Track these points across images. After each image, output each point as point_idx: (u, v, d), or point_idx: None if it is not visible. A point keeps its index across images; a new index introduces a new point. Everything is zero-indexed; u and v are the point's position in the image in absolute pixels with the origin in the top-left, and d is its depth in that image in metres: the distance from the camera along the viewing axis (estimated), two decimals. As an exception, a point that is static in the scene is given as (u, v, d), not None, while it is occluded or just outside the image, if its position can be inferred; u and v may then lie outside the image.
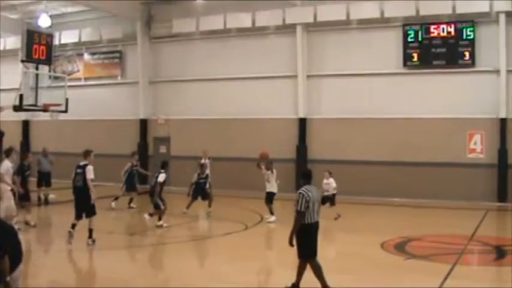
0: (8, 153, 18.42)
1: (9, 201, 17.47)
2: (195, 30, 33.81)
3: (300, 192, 11.64)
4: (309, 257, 11.63)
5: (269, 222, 21.36)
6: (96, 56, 37.67)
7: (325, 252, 16.26)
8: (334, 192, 23.05)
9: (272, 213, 21.55)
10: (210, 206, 23.60)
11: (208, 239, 18.76)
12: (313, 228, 11.63)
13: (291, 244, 11.58)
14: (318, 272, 11.60)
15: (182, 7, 33.81)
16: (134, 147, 34.75)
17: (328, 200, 22.22)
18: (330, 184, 23.16)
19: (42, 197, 26.47)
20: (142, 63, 35.40)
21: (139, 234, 19.94)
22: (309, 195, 11.53)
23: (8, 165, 17.95)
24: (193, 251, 17.36)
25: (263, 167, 22.08)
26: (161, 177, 20.48)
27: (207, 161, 25.69)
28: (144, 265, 15.54)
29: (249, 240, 18.79)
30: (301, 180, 12.08)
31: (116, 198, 25.35)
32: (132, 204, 25.52)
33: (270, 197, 21.81)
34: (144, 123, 35.73)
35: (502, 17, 27.88)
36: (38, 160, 26.32)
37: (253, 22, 32.35)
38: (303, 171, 12.35)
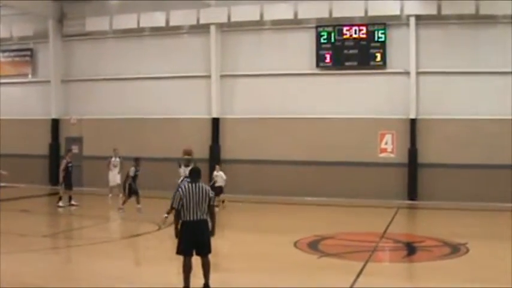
0: None
1: None
2: (108, 28, 33.35)
3: (176, 190, 11.71)
4: (180, 254, 11.49)
5: None
6: (6, 54, 36.68)
7: (237, 252, 16.38)
8: (222, 184, 25.05)
9: None
10: (138, 202, 23.55)
11: (123, 240, 18.52)
12: (190, 225, 11.42)
13: (176, 237, 11.56)
14: (185, 272, 11.50)
15: (96, 5, 33.30)
16: (46, 147, 34.18)
17: (216, 189, 22.52)
18: (219, 176, 25.17)
19: None
20: (54, 62, 34.65)
21: (52, 236, 19.54)
22: (183, 193, 11.51)
23: None
24: (107, 253, 17.14)
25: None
26: (131, 171, 23.05)
27: (117, 159, 25.63)
28: (56, 267, 15.26)
29: (162, 241, 18.68)
30: (189, 177, 12.05)
31: (60, 198, 24.98)
32: (73, 202, 25.20)
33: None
34: (56, 123, 35.03)
35: (412, 20, 28.60)
36: None
37: (168, 21, 32.14)
38: (190, 169, 12.22)
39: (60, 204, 25.04)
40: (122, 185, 25.29)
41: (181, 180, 19.31)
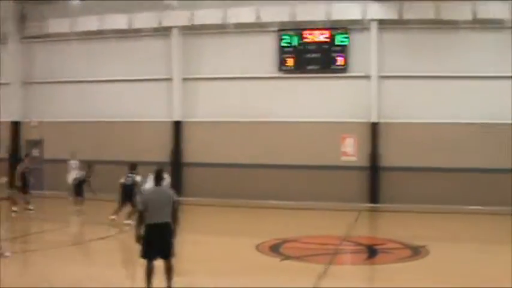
0: None
1: None
2: (69, 30, 33.04)
3: (141, 193, 11.72)
4: (144, 258, 11.47)
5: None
6: (-36, 56, 36.24)
7: (200, 255, 16.36)
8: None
9: None
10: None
11: (84, 244, 18.35)
12: (153, 229, 11.40)
13: (137, 241, 11.52)
14: (147, 276, 11.45)
15: (57, 6, 32.92)
16: (4, 150, 33.74)
17: None
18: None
19: None
20: (13, 64, 34.25)
21: (11, 241, 19.30)
22: (148, 196, 11.56)
23: None
24: (73, 256, 16.98)
25: None
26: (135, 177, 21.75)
27: (75, 162, 25.48)
28: (16, 271, 15.10)
29: (124, 245, 18.58)
30: (153, 180, 12.02)
31: (15, 203, 24.53)
32: (30, 207, 24.83)
33: None
34: (15, 126, 34.63)
35: (374, 25, 28.85)
36: None
37: (130, 24, 31.96)
38: (154, 171, 12.16)
39: (14, 209, 24.51)
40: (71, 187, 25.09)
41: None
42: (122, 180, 22.06)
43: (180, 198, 11.98)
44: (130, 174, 21.99)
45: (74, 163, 27.24)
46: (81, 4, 31.15)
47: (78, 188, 24.40)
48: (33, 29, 33.94)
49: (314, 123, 29.56)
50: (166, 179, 22.10)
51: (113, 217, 21.48)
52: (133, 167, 22.20)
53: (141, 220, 11.48)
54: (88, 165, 24.57)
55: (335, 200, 28.07)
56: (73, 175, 26.03)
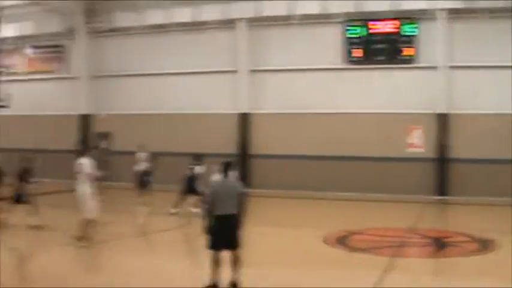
0: None
1: None
2: (136, 24, 33.51)
3: (209, 185, 11.83)
4: (210, 248, 11.53)
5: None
6: (37, 50, 37.08)
7: (266, 247, 16.41)
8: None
9: None
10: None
11: (152, 235, 18.56)
12: (219, 220, 11.47)
13: (204, 232, 11.61)
14: (213, 267, 11.51)
15: (124, 1, 33.43)
16: (76, 142, 34.37)
17: None
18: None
19: None
20: (83, 58, 34.97)
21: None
22: (215, 188, 11.63)
23: None
24: (136, 248, 17.22)
25: None
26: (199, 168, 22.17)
27: (143, 154, 25.85)
28: (85, 261, 15.40)
29: (191, 236, 18.76)
30: (221, 172, 12.11)
31: None
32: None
33: None
34: (85, 119, 35.32)
35: (442, 14, 28.43)
36: None
37: (196, 17, 32.22)
38: (221, 163, 12.24)
39: None
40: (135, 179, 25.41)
41: None
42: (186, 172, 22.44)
43: (247, 190, 12.02)
44: (192, 165, 22.34)
45: (141, 155, 27.60)
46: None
47: (143, 180, 24.75)
48: (101, 23, 34.57)
49: (380, 115, 29.34)
50: (234, 171, 22.40)
51: (174, 211, 21.73)
52: (197, 158, 22.58)
53: (208, 211, 11.60)
54: (153, 157, 24.93)
55: (401, 192, 27.81)
56: (140, 167, 26.41)
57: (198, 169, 22.17)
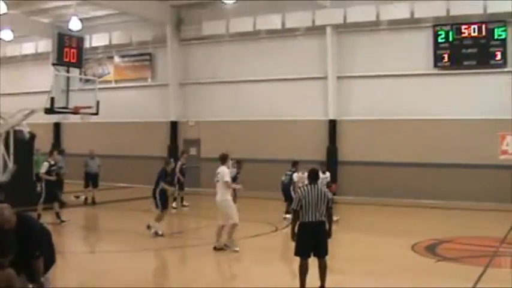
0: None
1: None
2: (224, 32, 33.88)
3: (296, 191, 11.78)
4: (298, 255, 11.57)
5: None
6: (126, 59, 37.91)
7: (353, 254, 16.30)
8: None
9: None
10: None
11: (239, 241, 18.63)
12: (308, 227, 11.49)
13: (292, 239, 11.69)
14: (301, 273, 11.52)
15: (212, 9, 33.83)
16: (165, 149, 34.99)
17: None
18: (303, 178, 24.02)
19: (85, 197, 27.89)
20: (172, 66, 35.55)
21: (169, 236, 19.93)
22: (303, 195, 11.54)
23: None
24: (223, 253, 17.33)
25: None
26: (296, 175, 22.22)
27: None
28: (171, 266, 15.62)
29: (278, 242, 18.79)
30: (308, 179, 12.09)
31: (174, 199, 25.76)
32: (184, 203, 26.74)
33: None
34: (174, 126, 35.87)
35: (533, 17, 27.67)
36: (85, 162, 27.89)
37: (283, 24, 32.32)
38: (309, 170, 12.24)
39: (174, 205, 25.68)
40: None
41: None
42: (282, 178, 22.63)
43: (335, 197, 11.98)
44: (288, 172, 22.70)
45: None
46: (235, 6, 31.68)
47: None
48: (190, 32, 35.18)
49: (471, 121, 28.74)
50: (327, 177, 22.46)
51: (286, 216, 21.55)
52: (294, 164, 22.94)
53: (296, 218, 11.63)
54: (237, 163, 25.13)
55: (492, 200, 27.18)
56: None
57: (295, 176, 22.27)
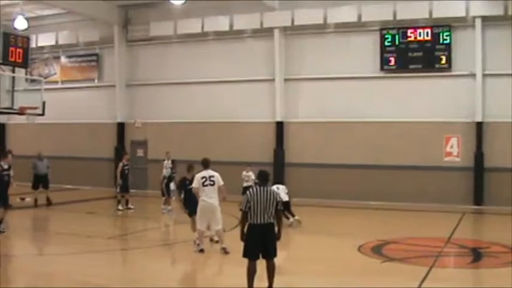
0: None
1: None
2: (172, 33, 33.70)
3: (246, 193, 11.77)
4: (246, 257, 11.58)
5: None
6: (73, 59, 37.46)
7: (301, 255, 16.37)
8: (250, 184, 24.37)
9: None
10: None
11: (186, 242, 18.53)
12: (256, 229, 11.53)
13: (242, 240, 11.70)
14: (249, 275, 11.55)
15: (159, 10, 33.66)
16: (111, 150, 34.70)
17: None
18: (250, 176, 25.30)
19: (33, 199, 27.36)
20: (119, 67, 35.25)
21: (115, 238, 19.81)
22: (252, 196, 11.57)
23: None
24: (169, 255, 17.26)
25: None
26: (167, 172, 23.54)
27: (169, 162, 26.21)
28: (120, 268, 15.50)
29: (226, 244, 18.76)
30: (257, 181, 12.09)
31: (119, 202, 25.58)
32: (129, 205, 26.10)
33: None
34: (121, 127, 35.57)
35: (478, 22, 28.12)
36: (33, 164, 27.30)
37: (231, 25, 32.30)
38: (258, 172, 12.26)
39: (120, 207, 25.51)
40: (160, 186, 25.68)
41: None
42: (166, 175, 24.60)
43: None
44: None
45: (167, 163, 27.62)
46: (183, 7, 31.54)
47: (167, 187, 25.05)
48: (137, 32, 34.89)
49: (417, 123, 29.12)
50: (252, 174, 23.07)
51: None
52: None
53: (244, 219, 11.62)
54: (173, 164, 25.39)
55: (438, 201, 27.64)
56: (164, 174, 26.49)
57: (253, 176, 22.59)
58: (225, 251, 16.05)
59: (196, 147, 31.60)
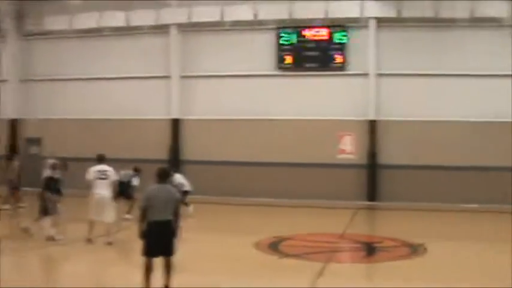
0: None
1: None
2: (68, 28, 32.96)
3: (145, 190, 11.77)
4: (145, 255, 11.50)
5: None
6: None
7: (199, 253, 16.36)
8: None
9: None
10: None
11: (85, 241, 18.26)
12: (155, 226, 11.46)
13: (140, 238, 11.59)
14: (146, 273, 11.50)
15: (55, 4, 32.76)
16: (2, 148, 33.70)
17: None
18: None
19: None
20: (12, 61, 34.16)
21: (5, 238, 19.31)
22: (151, 194, 11.56)
23: None
24: (71, 254, 16.96)
25: None
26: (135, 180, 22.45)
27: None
28: (14, 268, 15.15)
29: (124, 242, 18.58)
30: (156, 178, 12.01)
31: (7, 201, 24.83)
32: (21, 204, 25.21)
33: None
34: (14, 123, 34.58)
35: (372, 22, 28.88)
36: None
37: (128, 21, 31.93)
38: (157, 169, 12.21)
39: (6, 206, 24.73)
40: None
41: None
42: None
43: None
44: (129, 173, 22.55)
45: (50, 161, 27.01)
46: (79, 2, 31.01)
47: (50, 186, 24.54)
48: (32, 26, 33.87)
49: (312, 121, 29.55)
50: (178, 177, 22.87)
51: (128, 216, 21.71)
52: (136, 170, 22.80)
53: (143, 217, 11.52)
54: (63, 163, 24.86)
55: (333, 198, 28.09)
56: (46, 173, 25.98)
57: (135, 180, 22.24)
58: (108, 243, 16.75)
59: (92, 144, 30.97)
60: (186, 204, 22.64)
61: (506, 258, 14.94)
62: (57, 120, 33.17)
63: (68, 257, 16.21)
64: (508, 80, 27.60)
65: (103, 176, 16.98)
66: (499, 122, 27.62)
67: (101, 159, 17.55)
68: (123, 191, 21.71)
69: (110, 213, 17.05)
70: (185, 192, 23.05)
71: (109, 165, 17.44)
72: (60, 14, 32.62)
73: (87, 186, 17.19)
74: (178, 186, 22.51)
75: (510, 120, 27.44)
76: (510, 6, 27.44)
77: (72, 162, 24.25)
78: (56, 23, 32.96)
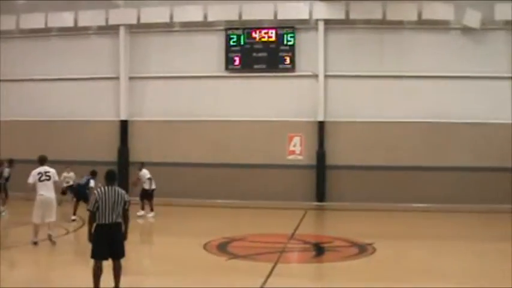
0: None
1: None
2: (15, 28, 32.48)
3: (93, 193, 11.67)
4: (94, 258, 11.39)
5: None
6: None
7: (146, 255, 16.29)
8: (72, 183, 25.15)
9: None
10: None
11: (32, 245, 18.04)
12: (104, 229, 11.35)
13: (89, 241, 11.49)
14: (95, 276, 11.37)
15: (2, 3, 32.34)
16: None
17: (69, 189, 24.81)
18: (71, 177, 25.82)
19: None
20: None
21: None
22: (100, 196, 11.44)
23: None
24: (16, 258, 16.73)
25: None
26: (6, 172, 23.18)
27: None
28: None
29: (71, 245, 18.39)
30: (104, 181, 11.89)
31: None
32: None
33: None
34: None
35: (321, 24, 29.14)
36: None
37: (76, 22, 31.61)
38: (106, 172, 12.08)
39: None
40: None
41: None
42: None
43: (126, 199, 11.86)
44: (86, 177, 22.59)
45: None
46: (27, 2, 30.57)
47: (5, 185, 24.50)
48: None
49: (261, 122, 29.66)
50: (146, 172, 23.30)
51: (74, 217, 21.88)
52: (93, 173, 22.44)
53: (93, 220, 11.41)
54: (9, 162, 24.71)
55: (282, 199, 28.24)
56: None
57: (92, 182, 22.12)
58: (50, 239, 16.90)
59: (39, 145, 30.64)
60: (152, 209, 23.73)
61: (453, 257, 15.15)
62: (4, 122, 32.50)
63: (16, 260, 15.99)
64: (454, 81, 28.12)
65: (46, 178, 16.96)
66: (445, 123, 28.09)
67: (42, 161, 17.43)
68: (81, 193, 21.85)
69: (53, 213, 17.11)
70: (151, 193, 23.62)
71: (51, 166, 17.28)
72: (6, 14, 32.01)
73: (31, 189, 17.03)
74: (151, 180, 23.93)
75: (457, 120, 27.93)
76: (457, 8, 27.85)
77: (20, 164, 24.09)
78: (1, 22, 32.36)
